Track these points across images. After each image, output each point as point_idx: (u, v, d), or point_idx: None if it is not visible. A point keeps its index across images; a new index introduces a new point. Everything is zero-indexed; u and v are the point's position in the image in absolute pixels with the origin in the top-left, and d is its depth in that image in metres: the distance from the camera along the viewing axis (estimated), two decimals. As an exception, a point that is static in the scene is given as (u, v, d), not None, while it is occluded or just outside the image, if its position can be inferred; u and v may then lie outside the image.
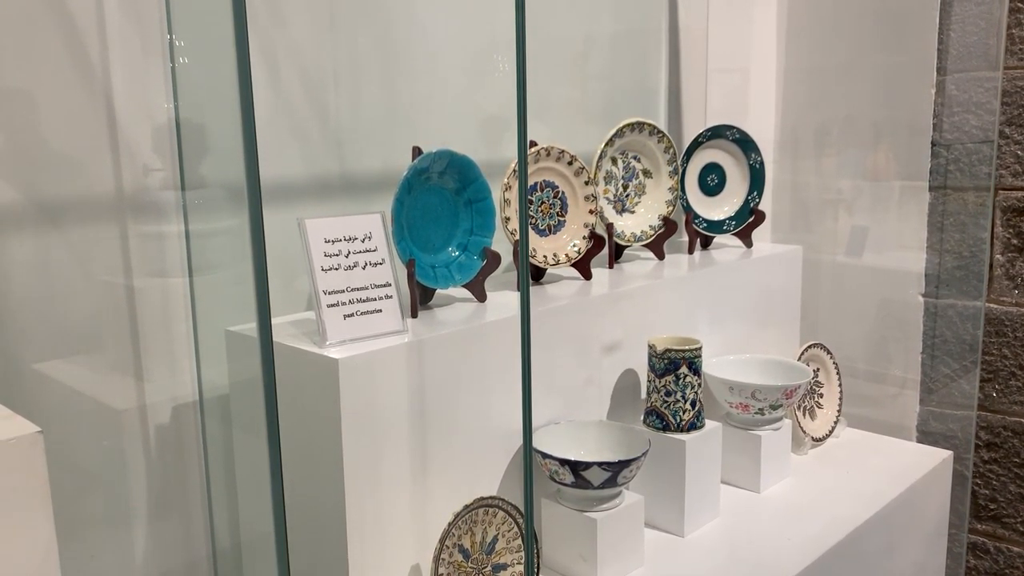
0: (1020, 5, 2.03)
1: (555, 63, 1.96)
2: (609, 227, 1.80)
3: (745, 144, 2.00)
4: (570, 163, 1.67)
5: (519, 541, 1.34)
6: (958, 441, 2.20)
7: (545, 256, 1.66)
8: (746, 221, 2.03)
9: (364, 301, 1.28)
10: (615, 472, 1.35)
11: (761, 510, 1.67)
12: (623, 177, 1.87)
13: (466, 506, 1.26)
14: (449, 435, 1.34)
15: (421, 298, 1.44)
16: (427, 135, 1.60)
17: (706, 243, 2.06)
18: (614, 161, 1.85)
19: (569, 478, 1.35)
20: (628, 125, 1.81)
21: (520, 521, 1.33)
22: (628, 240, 1.85)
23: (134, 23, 1.27)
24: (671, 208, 1.89)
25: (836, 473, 1.83)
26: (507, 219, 1.56)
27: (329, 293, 1.25)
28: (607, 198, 1.85)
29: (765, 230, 2.23)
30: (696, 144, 1.97)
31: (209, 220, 1.36)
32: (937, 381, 2.23)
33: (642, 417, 1.60)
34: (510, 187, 1.56)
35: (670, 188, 1.89)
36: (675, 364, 1.53)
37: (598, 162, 1.78)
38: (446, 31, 1.71)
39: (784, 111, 2.38)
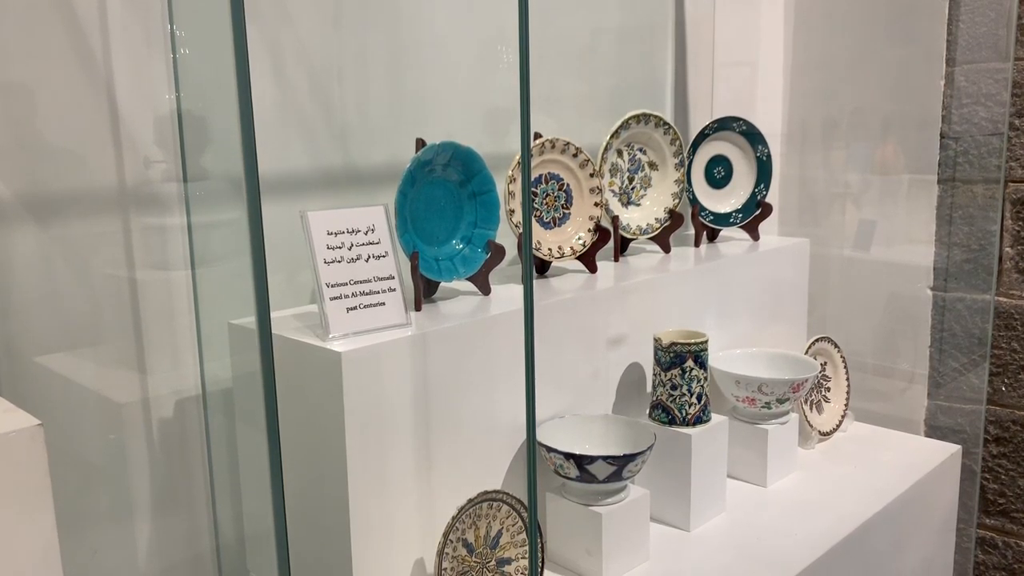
0: (1031, -5, 2.01)
1: (562, 56, 1.95)
2: (615, 220, 1.79)
3: (752, 136, 1.99)
4: (575, 155, 1.66)
5: (524, 535, 1.33)
6: (967, 435, 2.19)
7: (550, 249, 1.65)
8: (753, 214, 2.01)
9: (367, 294, 1.27)
10: (620, 466, 1.34)
11: (768, 505, 1.66)
12: (629, 169, 1.86)
13: (470, 500, 1.25)
14: (453, 429, 1.33)
15: (425, 291, 1.43)
16: (432, 127, 1.59)
17: (712, 236, 2.04)
18: (620, 153, 1.84)
19: (574, 472, 1.34)
20: (634, 117, 1.79)
21: (525, 515, 1.32)
22: (634, 233, 1.84)
23: (136, 13, 1.27)
24: (677, 201, 1.88)
25: (843, 468, 1.82)
26: (512, 212, 1.55)
27: (332, 286, 1.24)
28: (613, 191, 1.84)
29: (772, 223, 2.22)
30: (703, 136, 1.96)
31: (212, 212, 1.35)
32: (946, 375, 2.22)
33: (648, 411, 1.59)
34: (515, 179, 1.55)
35: (676, 180, 1.88)
36: (681, 358, 1.52)
37: (603, 154, 1.77)
38: (452, 23, 1.69)
39: (792, 104, 2.36)
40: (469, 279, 1.48)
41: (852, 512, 1.62)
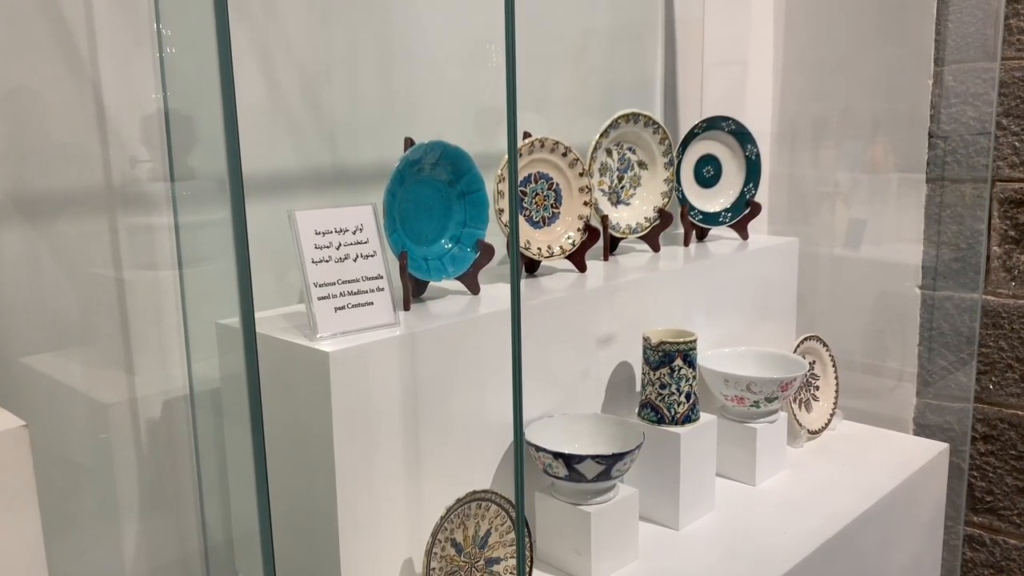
0: (1018, -5, 2.02)
1: (551, 55, 1.95)
2: (604, 219, 1.79)
3: (741, 136, 1.99)
4: (564, 154, 1.66)
5: (512, 535, 1.33)
6: (955, 433, 2.20)
7: (539, 248, 1.65)
8: (742, 213, 2.02)
9: (355, 294, 1.27)
10: (609, 465, 1.34)
11: (757, 503, 1.66)
12: (618, 169, 1.86)
13: (459, 500, 1.25)
14: (442, 429, 1.33)
15: (414, 291, 1.43)
16: (421, 127, 1.59)
17: (702, 235, 2.05)
18: (609, 152, 1.84)
19: (563, 471, 1.34)
20: (623, 116, 1.79)
21: (513, 515, 1.32)
22: (623, 232, 1.84)
23: (122, 12, 1.26)
24: (667, 200, 1.88)
25: (832, 466, 1.83)
26: (501, 211, 1.55)
27: (320, 285, 1.24)
28: (602, 190, 1.84)
29: (761, 222, 2.22)
30: (692, 135, 1.96)
31: (199, 212, 1.35)
32: (934, 373, 2.23)
33: (637, 410, 1.59)
34: (504, 179, 1.55)
35: (666, 180, 1.88)
36: (670, 357, 1.52)
37: (593, 153, 1.77)
38: (441, 22, 1.69)
39: (782, 103, 2.37)
40: (458, 278, 1.48)
41: (841, 510, 1.62)
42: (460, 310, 1.41)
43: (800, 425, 1.91)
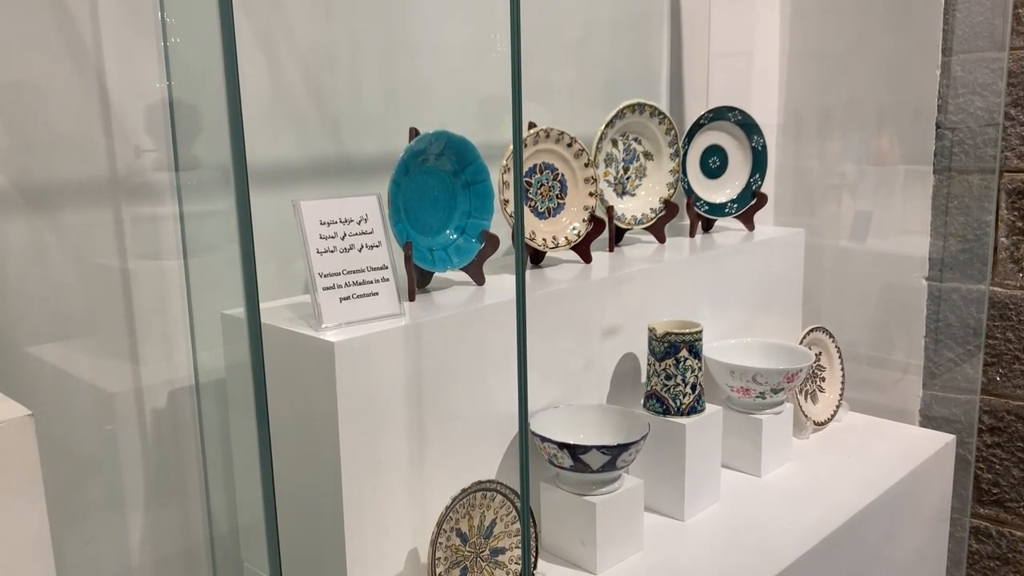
0: (1027, -16, 2.01)
1: (556, 45, 1.94)
2: (609, 210, 1.78)
3: (747, 126, 1.98)
4: (569, 145, 1.66)
5: (517, 525, 1.33)
6: (961, 425, 2.19)
7: (544, 239, 1.64)
8: (748, 204, 2.01)
9: (360, 284, 1.27)
10: (614, 456, 1.34)
11: (762, 494, 1.66)
12: (624, 159, 1.85)
13: (464, 490, 1.25)
14: (447, 419, 1.33)
15: (419, 281, 1.43)
16: (426, 116, 1.58)
17: (708, 226, 2.04)
18: (615, 143, 1.83)
19: (568, 462, 1.34)
20: (629, 106, 1.79)
21: (518, 505, 1.32)
22: (628, 223, 1.84)
23: (126, 1, 1.26)
24: (672, 191, 1.88)
25: (838, 457, 1.82)
26: (506, 202, 1.54)
27: (325, 276, 1.24)
28: (607, 180, 1.83)
29: (767, 213, 2.21)
30: (698, 126, 1.95)
31: (203, 202, 1.35)
32: (940, 365, 2.22)
33: (642, 401, 1.59)
34: (509, 169, 1.55)
35: (671, 170, 1.88)
36: (675, 348, 1.52)
37: (598, 144, 1.76)
38: (445, 12, 1.69)
39: (788, 95, 2.36)
40: (463, 269, 1.48)
41: (846, 502, 1.62)
42: (465, 301, 1.40)
43: (806, 416, 1.90)
